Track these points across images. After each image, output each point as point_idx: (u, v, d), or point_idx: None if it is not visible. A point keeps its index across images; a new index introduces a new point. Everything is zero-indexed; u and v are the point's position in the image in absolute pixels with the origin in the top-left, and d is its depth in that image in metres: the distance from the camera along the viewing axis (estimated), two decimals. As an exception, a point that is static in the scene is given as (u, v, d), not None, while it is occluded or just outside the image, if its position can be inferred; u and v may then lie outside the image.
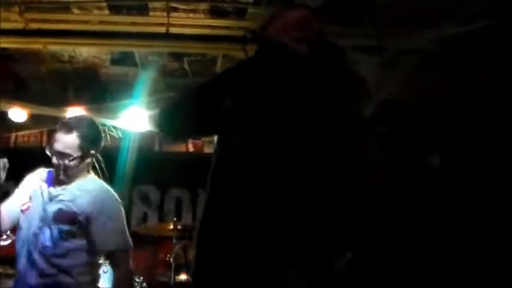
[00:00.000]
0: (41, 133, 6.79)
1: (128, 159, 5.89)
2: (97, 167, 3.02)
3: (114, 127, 6.04)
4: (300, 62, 1.67)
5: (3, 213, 2.78)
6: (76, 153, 2.75)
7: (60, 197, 2.79)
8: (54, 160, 2.77)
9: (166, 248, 5.27)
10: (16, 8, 4.69)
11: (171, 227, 4.77)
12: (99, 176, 2.96)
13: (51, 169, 2.90)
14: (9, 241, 3.61)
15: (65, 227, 2.72)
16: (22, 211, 2.80)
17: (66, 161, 2.75)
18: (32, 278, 2.68)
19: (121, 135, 6.17)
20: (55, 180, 2.86)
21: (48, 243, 2.70)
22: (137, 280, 4.42)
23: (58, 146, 2.75)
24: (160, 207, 6.71)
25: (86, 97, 6.23)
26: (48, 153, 2.79)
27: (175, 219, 4.96)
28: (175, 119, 1.75)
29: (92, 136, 2.84)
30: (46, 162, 2.93)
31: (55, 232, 2.71)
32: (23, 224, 2.78)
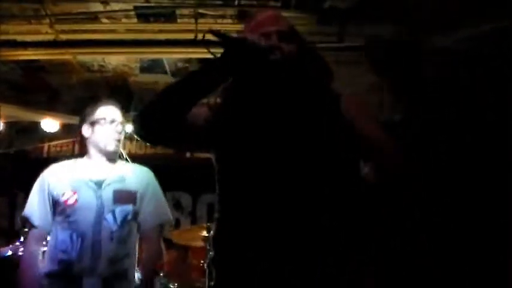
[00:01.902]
0: (73, 143, 6.86)
1: (159, 166, 5.90)
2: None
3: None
4: (262, 56, 1.63)
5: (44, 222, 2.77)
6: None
7: (108, 181, 2.76)
8: (119, 128, 2.80)
9: (199, 254, 5.26)
10: (47, 20, 4.75)
11: (204, 232, 4.76)
12: None
13: (70, 161, 2.90)
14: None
15: (128, 207, 2.72)
16: (68, 205, 2.69)
17: (123, 135, 2.83)
18: (103, 270, 2.60)
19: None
20: (90, 166, 2.82)
21: (114, 227, 2.67)
22: (171, 286, 4.42)
23: (120, 118, 2.84)
24: (193, 213, 6.73)
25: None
26: (104, 122, 2.79)
27: (208, 224, 4.95)
28: (146, 120, 1.73)
29: None
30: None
31: (118, 214, 2.69)
32: (74, 217, 2.67)
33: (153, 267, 2.88)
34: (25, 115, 5.96)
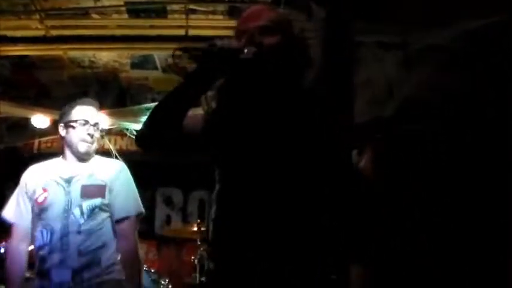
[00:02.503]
0: (64, 138, 6.85)
1: (150, 162, 5.91)
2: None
3: (136, 130, 6.07)
4: (233, 57, 1.63)
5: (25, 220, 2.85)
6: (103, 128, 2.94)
7: (77, 177, 2.83)
8: (91, 130, 2.84)
9: (190, 250, 5.28)
10: (37, 16, 4.73)
11: (195, 229, 4.77)
12: None
13: (46, 162, 2.97)
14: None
15: (96, 200, 2.78)
16: (38, 203, 2.79)
17: (98, 133, 2.88)
18: (72, 261, 2.67)
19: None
20: (63, 165, 2.90)
21: (81, 220, 2.72)
22: (163, 282, 4.42)
23: (93, 117, 2.87)
24: (184, 209, 6.74)
25: (107, 101, 6.26)
26: (77, 123, 2.84)
27: (198, 221, 4.97)
28: (148, 136, 1.80)
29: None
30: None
31: (86, 208, 2.74)
32: (45, 213, 2.77)
33: (134, 267, 2.89)
34: (15, 111, 5.93)
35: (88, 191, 2.79)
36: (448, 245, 2.55)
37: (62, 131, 2.92)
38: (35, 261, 2.79)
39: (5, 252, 3.34)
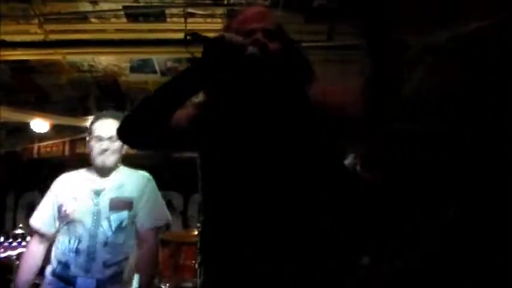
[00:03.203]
0: (63, 143, 6.85)
1: (149, 165, 5.89)
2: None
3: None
4: (240, 52, 1.62)
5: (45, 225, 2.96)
6: None
7: (106, 190, 2.92)
8: (104, 145, 2.91)
9: (190, 254, 5.27)
10: (36, 20, 4.73)
11: (195, 232, 4.77)
12: None
13: (77, 171, 3.06)
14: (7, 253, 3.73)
15: (124, 213, 2.86)
16: (67, 212, 2.87)
17: (117, 145, 2.93)
18: (98, 272, 2.74)
19: (142, 142, 6.17)
20: (93, 177, 2.99)
21: (109, 233, 2.81)
22: (163, 286, 4.41)
23: (108, 131, 2.92)
24: (184, 213, 6.72)
25: (107, 105, 6.27)
26: (93, 139, 2.94)
27: (198, 224, 4.95)
28: (130, 124, 1.75)
29: None
30: (69, 171, 3.11)
31: (114, 221, 2.83)
32: (73, 223, 2.84)
33: (150, 272, 2.95)
34: (15, 115, 5.94)
35: (116, 204, 2.88)
36: (448, 245, 2.55)
37: (87, 144, 3.06)
38: (54, 265, 2.85)
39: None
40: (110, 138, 2.93)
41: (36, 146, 6.87)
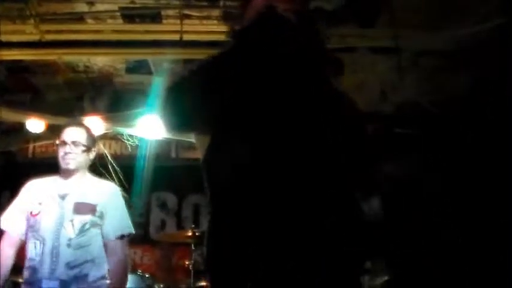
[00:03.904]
0: (58, 143, 6.82)
1: (145, 166, 5.92)
2: (114, 175, 3.14)
3: (130, 135, 6.07)
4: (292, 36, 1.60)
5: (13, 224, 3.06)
6: (85, 144, 3.12)
7: (72, 193, 3.05)
8: (67, 149, 3.08)
9: (185, 255, 5.27)
10: (31, 21, 4.73)
11: (189, 233, 4.77)
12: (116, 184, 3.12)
13: (44, 178, 3.18)
14: None
15: (86, 217, 2.98)
16: (32, 216, 2.99)
17: (79, 150, 3.09)
18: (61, 273, 2.85)
19: (137, 143, 6.19)
20: (59, 182, 3.13)
21: (72, 235, 2.92)
22: (157, 287, 4.42)
23: (71, 136, 3.12)
24: (178, 214, 6.72)
25: (102, 106, 6.27)
26: (59, 144, 3.12)
27: (193, 225, 4.96)
28: (179, 100, 1.65)
29: (93, 136, 3.26)
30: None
31: (77, 223, 2.95)
32: (38, 226, 2.96)
33: (121, 282, 3.09)
34: (10, 115, 5.92)
35: (80, 208, 3.00)
36: (448, 245, 2.56)
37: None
38: (25, 271, 2.95)
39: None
40: (72, 143, 3.10)
41: (31, 146, 6.86)
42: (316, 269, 1.57)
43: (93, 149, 3.21)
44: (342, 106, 1.73)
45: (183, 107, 1.64)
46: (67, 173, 3.12)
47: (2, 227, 3.09)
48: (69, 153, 3.08)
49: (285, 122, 1.63)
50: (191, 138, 5.11)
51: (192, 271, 4.61)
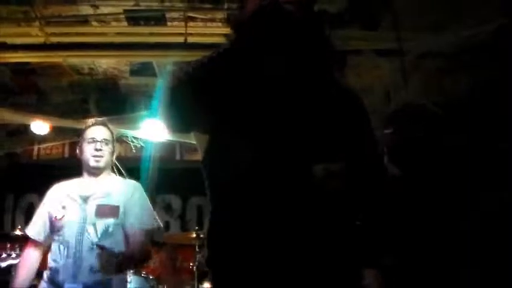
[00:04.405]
0: (63, 145, 6.85)
1: (149, 169, 5.92)
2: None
3: (134, 137, 6.08)
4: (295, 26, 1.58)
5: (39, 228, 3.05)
6: (113, 143, 3.13)
7: (95, 195, 3.01)
8: (98, 146, 3.05)
9: (189, 257, 5.28)
10: (37, 23, 4.75)
11: (194, 235, 4.78)
12: None
13: (69, 180, 3.14)
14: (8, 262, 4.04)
15: (109, 220, 2.94)
16: (57, 220, 2.96)
17: (109, 148, 3.08)
18: (84, 277, 2.80)
19: (142, 145, 6.20)
20: (83, 184, 3.08)
21: (95, 238, 2.87)
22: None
23: (101, 134, 3.10)
24: (182, 216, 6.74)
25: (107, 108, 6.28)
26: (88, 142, 3.06)
27: (197, 227, 4.97)
28: (179, 100, 1.63)
29: (114, 136, 3.23)
30: (69, 173, 3.17)
31: (100, 227, 2.91)
32: (62, 230, 2.93)
33: (134, 259, 2.98)
34: (15, 117, 5.95)
35: (102, 211, 2.96)
36: (448, 245, 2.55)
37: (78, 152, 3.16)
38: (47, 272, 2.93)
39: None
40: (104, 140, 3.07)
41: (36, 148, 6.88)
42: (316, 268, 1.56)
43: (115, 149, 3.21)
44: (347, 103, 1.71)
45: (183, 107, 1.63)
46: (95, 172, 3.08)
47: (28, 234, 3.08)
48: (101, 150, 3.05)
49: (286, 121, 1.61)
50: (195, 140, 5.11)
51: (196, 273, 4.62)
